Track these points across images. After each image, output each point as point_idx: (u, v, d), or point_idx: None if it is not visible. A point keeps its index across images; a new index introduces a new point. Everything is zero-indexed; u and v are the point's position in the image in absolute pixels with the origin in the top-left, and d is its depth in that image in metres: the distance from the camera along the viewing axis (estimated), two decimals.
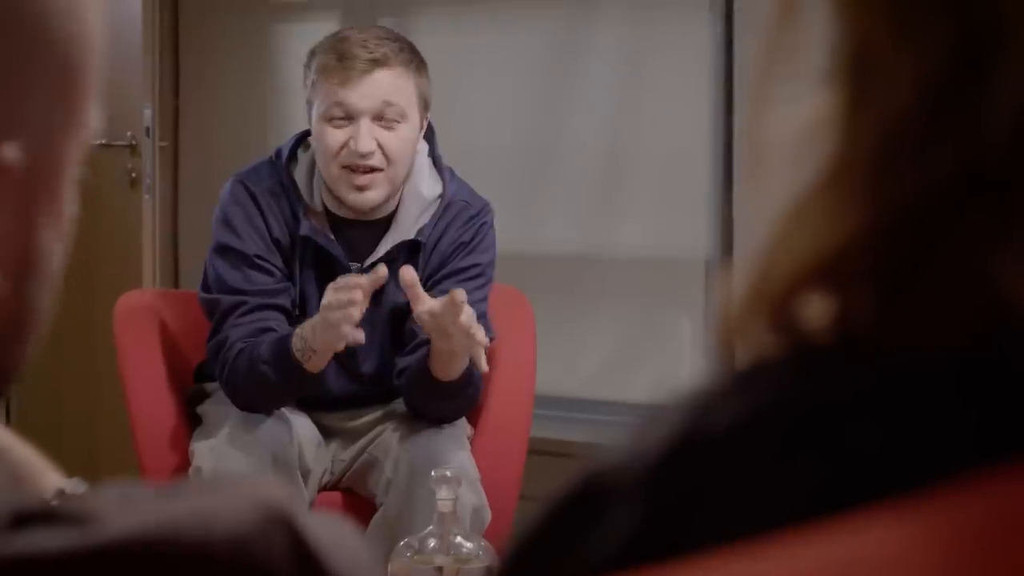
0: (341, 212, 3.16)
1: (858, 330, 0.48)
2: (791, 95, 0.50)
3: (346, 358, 3.17)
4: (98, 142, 4.79)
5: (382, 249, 3.15)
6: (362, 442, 3.19)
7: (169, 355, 3.32)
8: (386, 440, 3.13)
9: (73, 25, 0.71)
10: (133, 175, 4.81)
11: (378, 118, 3.09)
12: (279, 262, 3.14)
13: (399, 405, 3.22)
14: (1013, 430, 0.45)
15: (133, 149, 4.81)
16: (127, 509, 0.63)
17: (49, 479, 0.92)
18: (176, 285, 4.83)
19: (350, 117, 3.08)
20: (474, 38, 4.46)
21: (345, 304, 2.90)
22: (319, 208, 3.16)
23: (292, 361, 3.00)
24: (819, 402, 0.47)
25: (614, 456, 0.50)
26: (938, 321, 0.46)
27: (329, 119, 3.10)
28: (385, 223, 3.17)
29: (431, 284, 3.14)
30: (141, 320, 3.35)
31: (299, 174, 3.19)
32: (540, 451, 3.76)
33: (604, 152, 4.28)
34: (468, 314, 2.90)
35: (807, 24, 0.50)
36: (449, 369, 3.04)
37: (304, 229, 3.12)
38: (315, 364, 3.01)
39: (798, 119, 0.50)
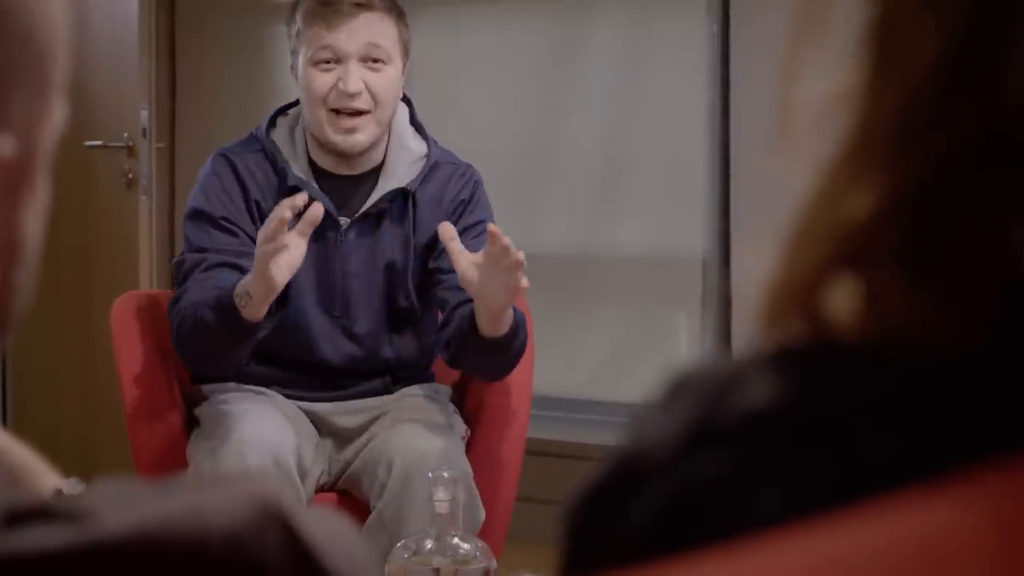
0: (327, 165, 3.19)
1: (884, 316, 0.48)
2: (820, 66, 0.50)
3: (339, 317, 3.17)
4: (95, 143, 4.74)
5: (373, 198, 3.17)
6: (358, 443, 3.18)
7: (166, 356, 3.31)
8: (381, 443, 3.12)
9: (44, 16, 0.72)
10: (130, 176, 4.81)
11: (364, 59, 3.13)
12: (249, 225, 3.13)
13: (395, 406, 3.21)
14: None
15: (130, 150, 4.81)
16: (122, 506, 0.63)
17: (47, 480, 0.92)
18: (173, 286, 4.83)
19: (337, 60, 3.13)
20: (473, 40, 4.46)
21: (271, 235, 2.81)
22: (304, 165, 3.19)
23: (231, 305, 2.93)
24: (838, 402, 0.47)
25: (641, 439, 0.51)
26: (959, 306, 0.46)
27: (316, 63, 3.14)
28: (373, 177, 3.20)
29: (432, 242, 3.16)
30: (138, 321, 3.34)
31: (279, 138, 3.22)
32: (538, 452, 3.76)
33: (602, 152, 4.28)
34: (507, 241, 2.85)
35: None
36: (498, 324, 2.99)
37: (291, 180, 3.15)
38: (251, 311, 2.92)
39: (825, 89, 0.50)
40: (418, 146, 3.25)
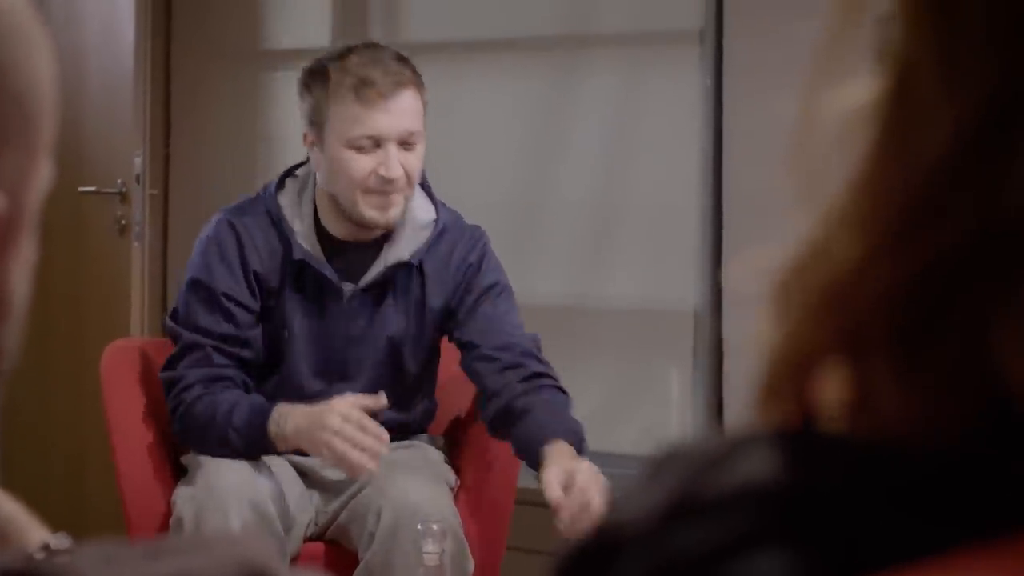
0: (338, 232, 3.20)
1: (872, 405, 0.48)
2: (846, 76, 0.49)
3: (337, 383, 3.17)
4: (88, 189, 4.74)
5: (375, 270, 3.18)
6: (346, 495, 3.17)
7: (156, 404, 3.31)
8: (370, 492, 3.11)
9: (31, 77, 0.73)
10: (123, 222, 4.81)
11: (401, 143, 3.13)
12: (248, 299, 3.16)
13: (384, 457, 3.20)
14: (998, 530, 0.45)
15: (123, 197, 4.81)
16: (109, 570, 0.63)
17: (34, 535, 0.92)
18: (163, 334, 4.82)
19: (376, 143, 3.12)
20: (465, 92, 4.47)
21: (350, 438, 2.96)
22: (310, 232, 3.19)
23: (265, 438, 3.05)
24: (821, 485, 0.47)
25: (625, 509, 0.51)
26: (943, 402, 0.46)
27: (352, 145, 3.12)
28: (377, 245, 3.20)
29: (455, 306, 3.21)
30: (128, 369, 3.34)
31: (286, 200, 3.22)
32: (529, 501, 3.75)
33: (594, 204, 4.29)
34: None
35: (864, 31, 0.49)
36: None
37: (297, 253, 3.16)
38: (286, 448, 3.07)
39: (850, 102, 0.49)
40: (427, 212, 3.25)
